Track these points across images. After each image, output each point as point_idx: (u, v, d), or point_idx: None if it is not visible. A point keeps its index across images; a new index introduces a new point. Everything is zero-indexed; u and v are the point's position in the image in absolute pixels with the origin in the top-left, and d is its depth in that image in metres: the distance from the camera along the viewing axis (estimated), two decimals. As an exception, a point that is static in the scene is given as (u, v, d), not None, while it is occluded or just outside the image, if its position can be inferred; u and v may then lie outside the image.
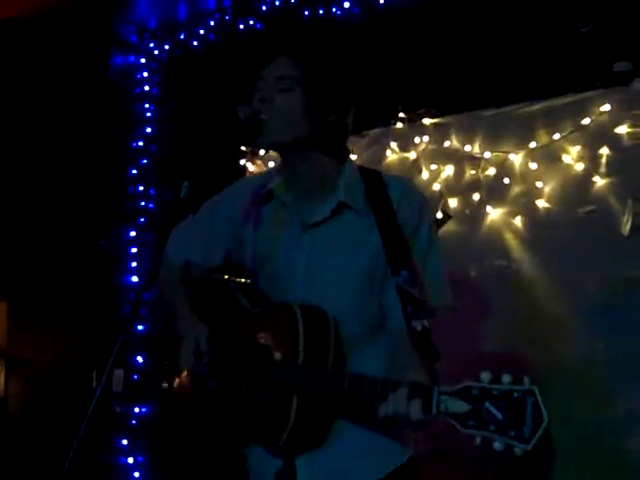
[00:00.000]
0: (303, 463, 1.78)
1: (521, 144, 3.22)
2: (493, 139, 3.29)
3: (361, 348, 1.80)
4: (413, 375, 1.57)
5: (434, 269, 1.84)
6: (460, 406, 1.36)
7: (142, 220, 4.09)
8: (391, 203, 1.81)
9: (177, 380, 1.99)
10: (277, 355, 1.73)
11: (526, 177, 3.19)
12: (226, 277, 2.01)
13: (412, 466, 1.82)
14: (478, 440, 1.34)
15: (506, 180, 3.23)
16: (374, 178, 1.88)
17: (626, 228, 2.95)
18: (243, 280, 2.01)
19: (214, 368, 1.84)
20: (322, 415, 1.73)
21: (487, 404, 1.33)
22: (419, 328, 1.66)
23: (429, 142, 3.43)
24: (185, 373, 1.96)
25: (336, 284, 1.81)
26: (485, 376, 1.36)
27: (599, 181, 3.05)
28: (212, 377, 1.86)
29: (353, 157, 2.29)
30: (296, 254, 1.85)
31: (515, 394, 1.31)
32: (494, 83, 3.27)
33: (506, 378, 1.34)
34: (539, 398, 1.30)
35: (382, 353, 1.80)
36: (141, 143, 4.18)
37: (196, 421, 1.93)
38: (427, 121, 3.44)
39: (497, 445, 1.31)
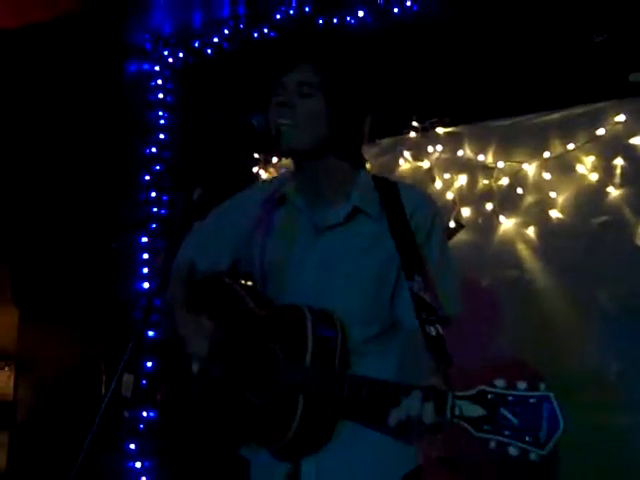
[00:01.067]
0: (308, 470, 1.77)
1: (535, 154, 3.21)
2: (506, 149, 3.29)
3: (370, 353, 1.79)
4: (428, 378, 1.56)
5: (448, 278, 1.85)
6: (475, 410, 1.36)
7: (154, 226, 4.10)
8: (404, 212, 1.82)
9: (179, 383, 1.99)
10: (284, 357, 1.73)
11: (539, 187, 3.18)
12: (233, 279, 2.00)
13: (419, 475, 1.81)
14: (493, 444, 1.33)
15: (519, 190, 3.22)
16: (388, 187, 1.88)
17: (640, 239, 2.94)
18: (250, 283, 2.00)
19: (221, 370, 1.85)
20: (328, 414, 1.72)
21: (502, 409, 1.32)
22: (433, 333, 1.66)
23: (442, 151, 3.42)
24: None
25: (347, 288, 1.80)
26: (500, 382, 1.36)
27: (613, 192, 3.04)
28: (220, 378, 1.86)
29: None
30: (308, 257, 1.85)
31: (531, 400, 1.31)
32: (508, 93, 3.26)
33: (522, 385, 1.33)
34: (555, 404, 1.30)
35: (393, 359, 1.79)
36: (154, 150, 4.19)
37: (197, 422, 1.93)
38: (440, 130, 3.44)
39: (512, 450, 1.31)
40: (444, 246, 1.89)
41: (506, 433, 1.31)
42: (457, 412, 1.39)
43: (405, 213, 1.81)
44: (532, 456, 1.29)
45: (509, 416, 1.31)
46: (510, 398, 1.33)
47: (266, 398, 1.75)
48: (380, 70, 1.98)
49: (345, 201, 1.84)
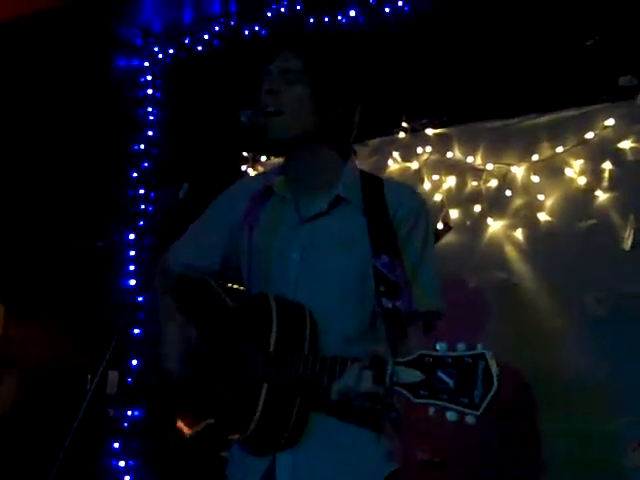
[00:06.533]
0: (284, 467, 1.75)
1: (523, 156, 3.20)
2: (495, 151, 3.28)
3: (348, 351, 1.73)
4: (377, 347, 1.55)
5: (425, 274, 1.83)
6: (413, 375, 1.32)
7: (141, 223, 4.08)
8: (386, 204, 1.81)
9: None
10: (250, 347, 1.72)
11: (528, 190, 3.17)
12: (215, 280, 2.00)
13: (396, 478, 1.77)
14: (432, 411, 1.30)
15: (508, 192, 3.21)
16: (374, 181, 1.88)
17: (627, 243, 2.94)
18: (235, 286, 2.00)
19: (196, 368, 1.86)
20: (295, 402, 1.69)
21: (439, 372, 1.29)
22: (389, 306, 1.64)
23: (431, 152, 3.41)
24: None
25: (328, 283, 1.79)
26: (441, 346, 1.33)
27: (601, 195, 3.03)
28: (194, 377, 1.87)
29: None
30: (291, 248, 1.84)
31: (466, 359, 1.27)
32: (498, 95, 3.25)
33: (461, 346, 1.30)
34: (490, 361, 1.26)
35: None
36: (142, 146, 4.18)
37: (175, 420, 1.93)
38: (430, 131, 3.43)
39: (450, 415, 1.27)
40: (427, 242, 1.86)
41: (443, 397, 1.27)
42: (395, 379, 1.36)
43: (386, 206, 1.80)
44: (469, 419, 1.25)
45: (445, 378, 1.27)
46: (447, 360, 1.29)
47: (234, 389, 1.75)
48: (367, 71, 1.97)
49: (330, 191, 1.84)
